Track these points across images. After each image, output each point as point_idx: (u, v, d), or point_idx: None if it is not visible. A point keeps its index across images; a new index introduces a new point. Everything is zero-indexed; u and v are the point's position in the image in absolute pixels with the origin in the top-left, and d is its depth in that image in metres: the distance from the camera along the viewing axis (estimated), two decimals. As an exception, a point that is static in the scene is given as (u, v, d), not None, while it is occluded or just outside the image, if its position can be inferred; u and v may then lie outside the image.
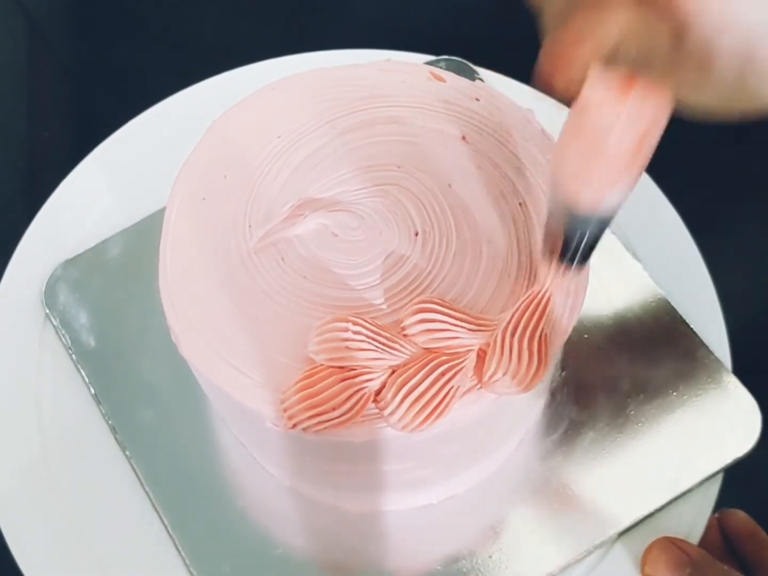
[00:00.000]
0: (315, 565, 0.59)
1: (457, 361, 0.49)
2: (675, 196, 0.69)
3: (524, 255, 0.52)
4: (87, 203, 0.69)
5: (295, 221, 0.54)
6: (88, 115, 0.80)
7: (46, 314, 0.65)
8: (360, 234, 0.53)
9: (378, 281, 0.52)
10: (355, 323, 0.49)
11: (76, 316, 0.65)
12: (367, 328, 0.49)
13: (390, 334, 0.49)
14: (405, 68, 0.58)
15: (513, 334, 0.49)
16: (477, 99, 0.57)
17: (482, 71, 0.74)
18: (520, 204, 0.54)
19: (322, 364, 0.49)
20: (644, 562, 0.56)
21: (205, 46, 0.83)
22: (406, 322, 0.49)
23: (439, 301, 0.50)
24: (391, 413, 0.48)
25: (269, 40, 0.83)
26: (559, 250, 0.48)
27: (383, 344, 0.49)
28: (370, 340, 0.49)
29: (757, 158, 0.80)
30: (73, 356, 0.64)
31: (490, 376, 0.48)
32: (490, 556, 0.58)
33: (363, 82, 0.57)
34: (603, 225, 0.46)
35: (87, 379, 0.63)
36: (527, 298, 0.50)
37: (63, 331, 0.64)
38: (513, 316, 0.50)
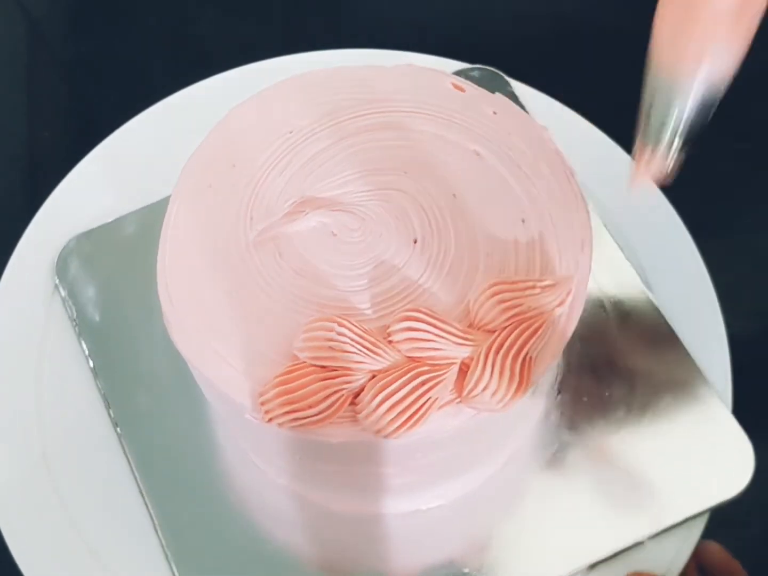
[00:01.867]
0: (300, 562, 0.59)
1: (438, 373, 0.48)
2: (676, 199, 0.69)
3: (521, 273, 0.52)
4: (100, 186, 0.70)
5: (296, 217, 0.54)
6: (88, 114, 0.80)
7: (56, 285, 0.66)
8: (359, 236, 0.54)
9: (370, 285, 0.52)
10: (340, 324, 0.49)
11: (84, 290, 0.66)
12: (352, 331, 0.49)
13: (374, 338, 0.49)
14: (425, 74, 0.58)
15: (497, 352, 0.49)
16: (494, 112, 0.57)
17: (514, 83, 0.73)
18: (522, 220, 0.53)
19: (305, 362, 0.49)
20: None
21: (206, 44, 0.83)
22: (392, 329, 0.49)
23: (427, 311, 0.49)
24: (367, 416, 0.48)
25: (272, 39, 0.82)
26: (657, 132, 0.45)
27: (366, 348, 0.49)
28: (354, 343, 0.49)
29: (757, 158, 0.80)
30: (77, 328, 0.65)
31: (470, 391, 0.48)
32: (466, 571, 0.58)
33: (379, 85, 0.58)
34: (706, 101, 0.43)
35: (87, 353, 0.64)
36: (519, 317, 0.50)
37: (70, 303, 0.65)
38: (500, 333, 0.49)
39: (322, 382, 0.48)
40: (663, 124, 0.45)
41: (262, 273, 0.53)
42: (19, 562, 0.58)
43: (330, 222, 0.54)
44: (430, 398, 0.48)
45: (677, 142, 0.45)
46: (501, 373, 0.48)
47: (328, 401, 0.48)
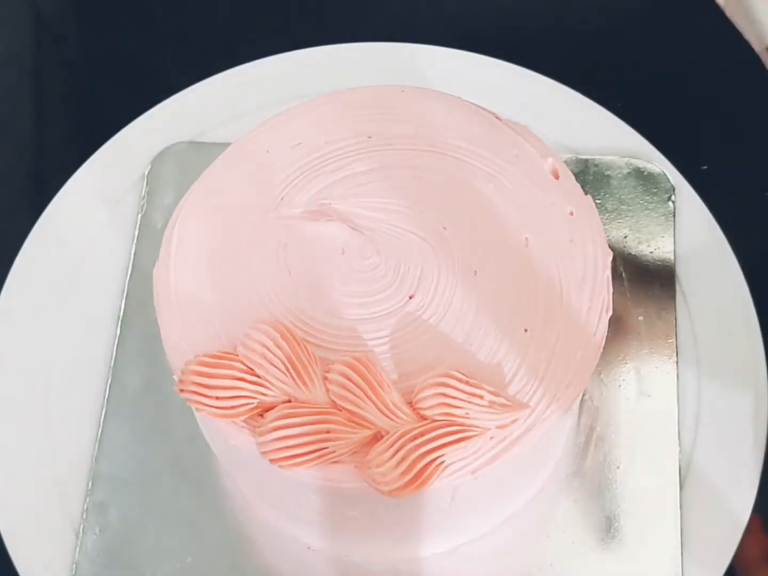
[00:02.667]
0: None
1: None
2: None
3: (491, 379, 0.48)
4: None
5: (319, 219, 0.52)
6: (96, 111, 0.78)
7: (145, 175, 0.68)
8: (365, 266, 0.52)
9: (345, 317, 0.50)
10: (284, 337, 0.48)
11: (164, 193, 0.67)
12: (291, 349, 0.47)
13: (310, 368, 0.47)
14: (515, 139, 0.55)
15: (412, 440, 0.46)
16: (571, 213, 0.53)
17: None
18: (525, 330, 0.49)
19: (237, 355, 0.48)
20: None
21: (220, 39, 0.80)
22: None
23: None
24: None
25: (286, 33, 0.78)
26: None
27: (296, 373, 0.47)
28: (285, 362, 0.47)
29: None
30: (138, 226, 0.66)
31: (367, 462, 0.46)
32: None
33: (436, 119, 0.56)
34: None
35: (134, 250, 0.65)
36: (451, 418, 0.46)
37: (145, 201, 0.67)
38: (426, 425, 0.46)
39: (237, 381, 0.47)
40: None
41: (259, 254, 0.52)
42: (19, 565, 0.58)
43: (347, 239, 0.52)
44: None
45: None
46: (401, 461, 0.45)
47: (235, 401, 0.47)
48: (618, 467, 0.58)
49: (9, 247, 0.67)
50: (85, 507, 0.58)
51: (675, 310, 0.63)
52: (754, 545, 0.56)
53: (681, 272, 0.65)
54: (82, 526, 0.58)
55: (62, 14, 0.85)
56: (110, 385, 0.62)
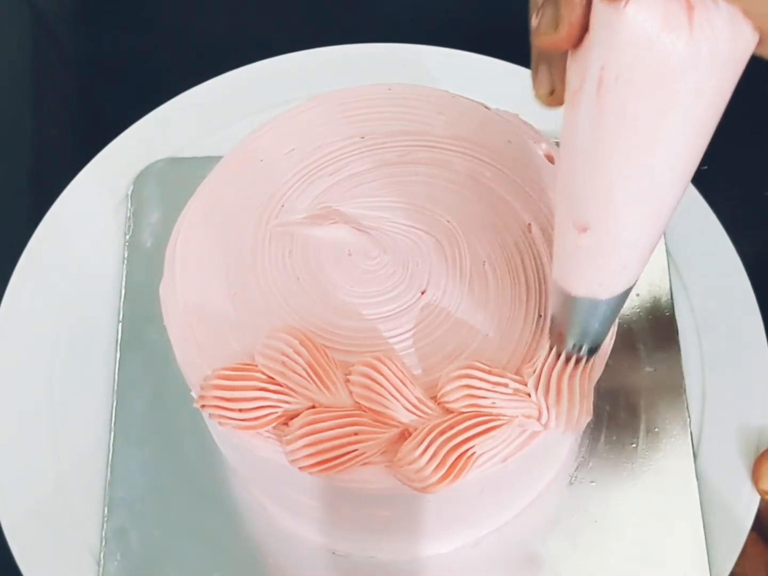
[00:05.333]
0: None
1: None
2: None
3: (511, 367, 0.49)
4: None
5: (320, 222, 0.52)
6: (96, 111, 0.79)
7: (128, 195, 0.67)
8: (373, 265, 0.52)
9: (358, 317, 0.50)
10: (302, 343, 0.47)
11: (150, 212, 0.66)
12: (310, 354, 0.47)
13: (331, 371, 0.47)
14: (507, 126, 0.55)
15: (441, 434, 0.46)
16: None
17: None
18: (540, 315, 0.50)
19: (256, 365, 0.48)
20: (757, 478, 0.55)
21: (221, 40, 0.80)
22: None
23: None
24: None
25: (284, 35, 0.79)
26: (562, 338, 0.46)
27: (317, 377, 0.47)
28: (306, 367, 0.47)
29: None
30: (127, 246, 0.66)
31: (399, 460, 0.46)
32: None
33: (432, 117, 0.56)
34: (607, 309, 0.43)
35: (124, 271, 0.65)
36: (478, 408, 0.46)
37: (131, 222, 0.66)
38: (454, 417, 0.46)
39: (260, 392, 0.47)
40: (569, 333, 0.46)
41: (266, 264, 0.52)
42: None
43: (352, 240, 0.52)
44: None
45: (583, 349, 0.46)
46: (433, 456, 0.45)
47: (259, 412, 0.47)
48: (632, 445, 0.59)
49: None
50: (104, 534, 0.57)
51: (674, 310, 0.64)
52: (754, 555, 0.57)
53: (684, 271, 0.65)
54: (102, 554, 0.57)
55: (61, 14, 0.84)
56: (116, 409, 0.61)
